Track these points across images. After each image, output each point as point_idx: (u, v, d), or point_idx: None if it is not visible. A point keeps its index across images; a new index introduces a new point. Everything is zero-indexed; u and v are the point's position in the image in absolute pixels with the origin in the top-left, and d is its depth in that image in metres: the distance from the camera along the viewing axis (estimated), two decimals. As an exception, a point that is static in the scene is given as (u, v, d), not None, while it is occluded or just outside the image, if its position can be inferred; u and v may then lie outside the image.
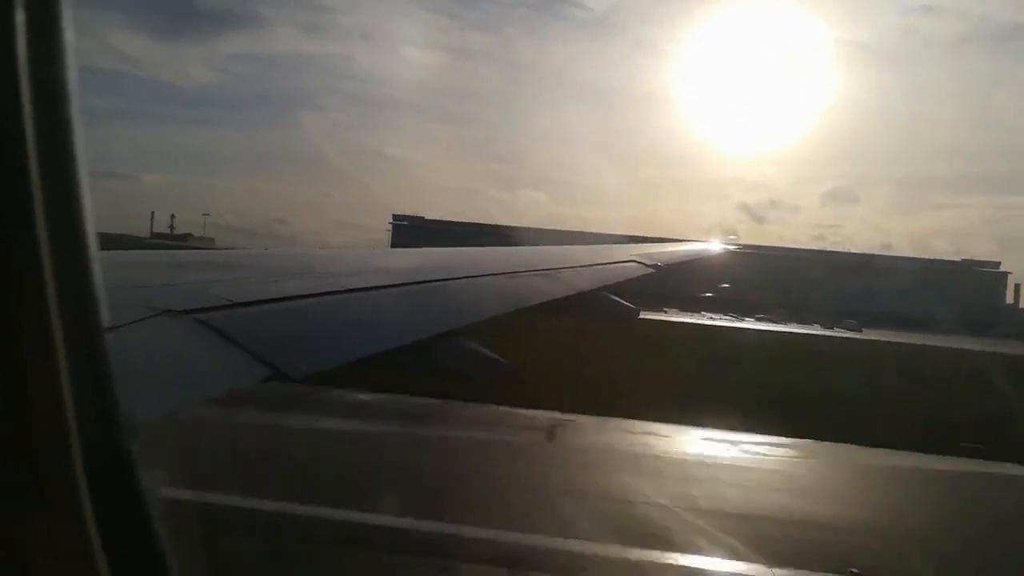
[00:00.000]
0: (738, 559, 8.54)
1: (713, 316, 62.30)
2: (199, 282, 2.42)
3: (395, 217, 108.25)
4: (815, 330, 62.68)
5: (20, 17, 0.86)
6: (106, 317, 1.02)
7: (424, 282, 3.41)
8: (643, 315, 6.29)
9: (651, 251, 7.23)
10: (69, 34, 0.94)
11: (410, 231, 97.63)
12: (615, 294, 5.51)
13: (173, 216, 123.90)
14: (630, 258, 6.33)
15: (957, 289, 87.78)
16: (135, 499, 1.03)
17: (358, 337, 2.38)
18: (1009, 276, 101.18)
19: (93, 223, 0.98)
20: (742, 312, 66.31)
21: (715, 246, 9.48)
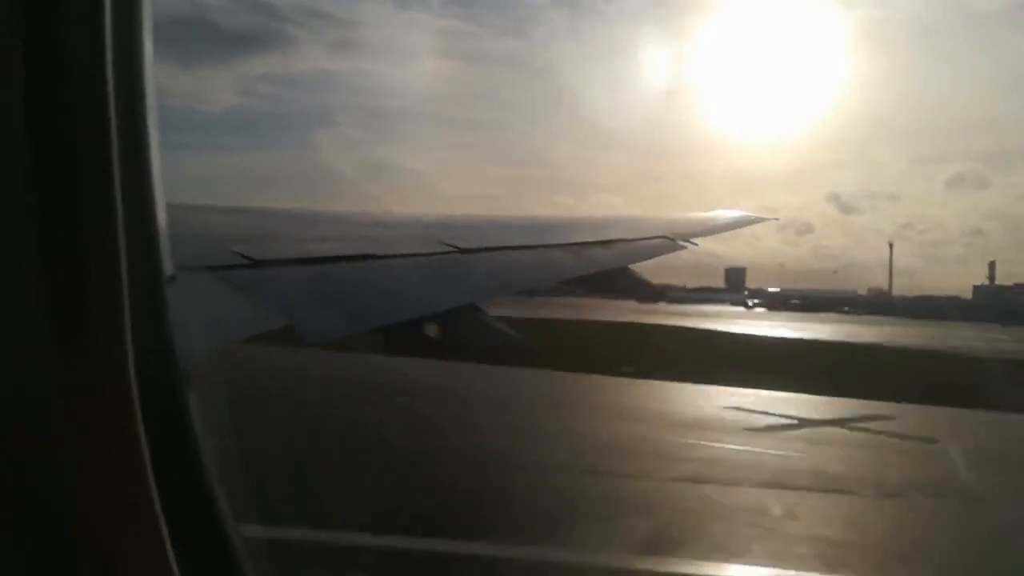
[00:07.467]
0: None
1: None
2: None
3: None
4: None
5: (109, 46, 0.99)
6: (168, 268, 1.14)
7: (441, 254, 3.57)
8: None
9: (681, 224, 7.25)
10: (149, 54, 1.10)
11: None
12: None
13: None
14: (660, 234, 6.38)
15: None
16: (189, 444, 1.14)
17: (381, 306, 2.65)
18: None
19: (162, 193, 1.14)
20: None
21: (742, 212, 9.09)
